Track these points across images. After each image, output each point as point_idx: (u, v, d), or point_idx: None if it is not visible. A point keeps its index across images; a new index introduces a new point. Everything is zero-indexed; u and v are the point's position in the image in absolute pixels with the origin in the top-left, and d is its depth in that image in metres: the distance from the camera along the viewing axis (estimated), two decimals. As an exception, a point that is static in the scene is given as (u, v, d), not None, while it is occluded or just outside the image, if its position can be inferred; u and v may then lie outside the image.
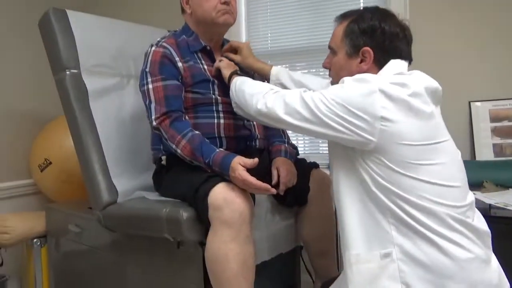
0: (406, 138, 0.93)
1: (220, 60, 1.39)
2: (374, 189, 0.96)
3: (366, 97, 0.93)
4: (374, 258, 0.96)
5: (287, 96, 1.04)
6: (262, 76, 1.49)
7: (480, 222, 1.00)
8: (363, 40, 1.03)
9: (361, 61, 1.04)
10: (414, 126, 0.93)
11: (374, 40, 1.03)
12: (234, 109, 1.25)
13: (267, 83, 1.27)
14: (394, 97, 0.93)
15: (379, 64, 1.03)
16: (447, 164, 0.97)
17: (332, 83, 1.12)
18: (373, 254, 0.96)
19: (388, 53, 1.03)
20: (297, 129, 1.04)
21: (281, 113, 1.03)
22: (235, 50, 1.47)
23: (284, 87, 1.40)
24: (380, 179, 0.95)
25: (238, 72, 1.33)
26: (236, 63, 1.44)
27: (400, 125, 0.92)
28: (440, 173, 0.95)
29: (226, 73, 1.33)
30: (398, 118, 0.92)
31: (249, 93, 1.14)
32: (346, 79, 0.99)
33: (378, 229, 0.96)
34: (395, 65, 1.03)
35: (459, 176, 1.00)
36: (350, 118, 0.94)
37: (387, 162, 0.94)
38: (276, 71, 1.42)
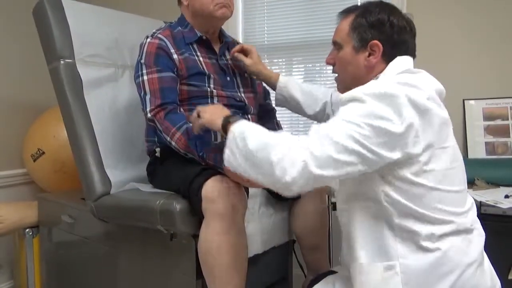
0: (429, 146, 0.90)
1: (198, 112, 1.18)
2: (385, 203, 0.93)
3: (397, 113, 0.86)
4: (378, 270, 0.95)
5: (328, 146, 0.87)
6: (268, 84, 1.51)
7: (478, 223, 1.00)
8: (371, 33, 1.01)
9: (369, 55, 1.02)
10: (435, 134, 0.91)
11: (383, 33, 1.01)
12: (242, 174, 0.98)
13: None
14: (421, 107, 0.88)
15: (387, 58, 1.01)
16: (457, 168, 0.96)
17: (338, 78, 1.10)
18: (376, 266, 0.95)
19: (396, 47, 1.01)
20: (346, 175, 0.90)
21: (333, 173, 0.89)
22: (245, 52, 1.47)
23: (291, 96, 1.44)
24: (392, 193, 0.92)
25: (230, 119, 1.06)
26: (240, 67, 1.46)
27: (426, 135, 0.89)
28: (453, 178, 0.94)
29: (217, 122, 1.10)
30: (423, 128, 0.89)
31: (273, 161, 0.89)
32: (367, 98, 0.88)
33: (384, 242, 0.95)
34: (402, 62, 1.01)
35: (464, 179, 1.00)
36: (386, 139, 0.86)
37: (403, 173, 0.90)
38: (285, 79, 1.46)
